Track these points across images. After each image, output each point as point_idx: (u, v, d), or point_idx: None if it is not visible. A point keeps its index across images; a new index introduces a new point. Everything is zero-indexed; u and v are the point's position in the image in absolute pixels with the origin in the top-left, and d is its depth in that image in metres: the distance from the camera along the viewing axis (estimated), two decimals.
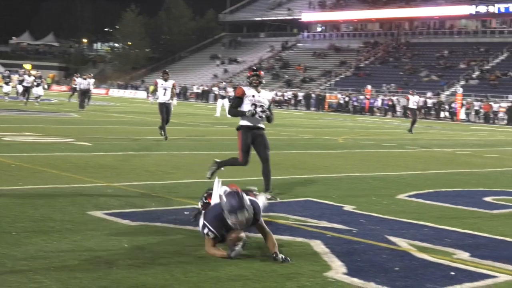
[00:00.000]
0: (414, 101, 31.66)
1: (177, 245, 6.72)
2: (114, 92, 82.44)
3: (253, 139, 10.10)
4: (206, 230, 6.54)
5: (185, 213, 8.29)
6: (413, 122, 31.23)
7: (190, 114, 38.07)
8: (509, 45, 69.13)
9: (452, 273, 6.22)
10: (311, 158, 16.89)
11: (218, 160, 10.55)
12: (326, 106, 61.79)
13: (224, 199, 6.52)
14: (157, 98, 19.78)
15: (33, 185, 10.10)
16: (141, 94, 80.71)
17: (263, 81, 10.22)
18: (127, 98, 71.50)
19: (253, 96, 10.06)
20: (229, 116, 10.60)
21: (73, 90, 45.88)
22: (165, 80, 19.85)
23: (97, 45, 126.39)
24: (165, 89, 19.64)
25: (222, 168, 10.54)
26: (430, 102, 55.91)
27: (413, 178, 13.58)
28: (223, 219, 6.45)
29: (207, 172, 10.46)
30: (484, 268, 6.42)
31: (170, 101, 19.72)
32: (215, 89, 63.25)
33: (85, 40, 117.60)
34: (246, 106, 10.05)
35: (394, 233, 7.77)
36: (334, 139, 24.29)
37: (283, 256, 6.28)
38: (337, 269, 6.13)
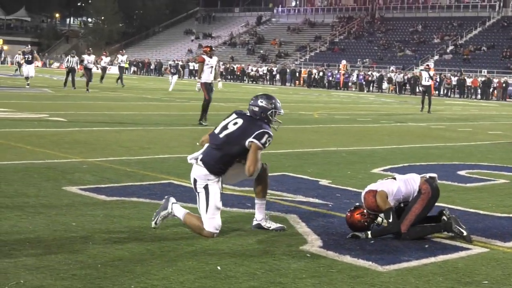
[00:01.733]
0: (426, 77, 28.70)
1: None
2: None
3: None
4: (266, 137, 6.49)
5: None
6: (430, 101, 28.31)
7: (165, 90, 37.83)
8: (483, 20, 69.46)
9: (426, 245, 6.28)
10: (287, 133, 16.89)
11: None
12: (301, 81, 61.79)
13: (260, 101, 6.65)
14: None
15: (7, 160, 10.02)
16: (115, 69, 80.00)
17: None
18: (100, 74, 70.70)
19: None
20: None
21: (104, 69, 43.46)
22: (210, 56, 17.46)
23: (70, 20, 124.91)
24: (212, 67, 17.32)
25: None
26: (400, 76, 55.96)
27: (388, 152, 13.67)
28: None
29: None
30: (458, 241, 6.48)
31: (215, 81, 17.54)
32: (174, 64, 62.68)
33: (57, 15, 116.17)
34: None
35: None
36: (310, 114, 24.32)
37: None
38: (313, 243, 6.16)
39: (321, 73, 60.22)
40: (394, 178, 6.75)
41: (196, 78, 17.74)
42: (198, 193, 6.38)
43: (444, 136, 18.11)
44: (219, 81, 18.21)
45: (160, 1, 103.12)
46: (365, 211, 6.57)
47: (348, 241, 6.28)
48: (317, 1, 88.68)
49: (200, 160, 6.39)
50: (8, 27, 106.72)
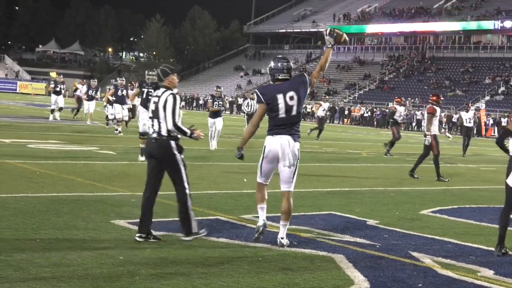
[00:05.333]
0: (467, 118, 27.23)
1: (199, 256, 6.72)
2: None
3: None
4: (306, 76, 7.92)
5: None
6: (468, 144, 26.97)
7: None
8: None
9: None
10: (334, 171, 16.84)
11: None
12: (350, 119, 61.67)
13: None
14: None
15: (58, 192, 10.17)
16: None
17: None
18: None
19: None
20: None
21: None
22: (439, 106, 16.47)
23: (122, 54, 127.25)
24: (437, 118, 16.43)
25: None
26: (455, 117, 55.47)
27: (437, 194, 13.49)
28: None
29: None
30: (508, 287, 6.35)
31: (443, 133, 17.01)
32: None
33: (110, 49, 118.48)
34: None
35: (418, 249, 7.72)
36: (358, 152, 24.20)
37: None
38: (360, 284, 6.10)
39: (369, 112, 60.05)
40: None
41: (425, 130, 16.68)
42: (294, 164, 7.44)
43: (495, 178, 17.80)
44: (444, 131, 17.50)
45: (211, 37, 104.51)
46: None
47: (395, 283, 6.19)
48: (367, 39, 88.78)
49: (294, 140, 7.41)
50: (62, 60, 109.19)
